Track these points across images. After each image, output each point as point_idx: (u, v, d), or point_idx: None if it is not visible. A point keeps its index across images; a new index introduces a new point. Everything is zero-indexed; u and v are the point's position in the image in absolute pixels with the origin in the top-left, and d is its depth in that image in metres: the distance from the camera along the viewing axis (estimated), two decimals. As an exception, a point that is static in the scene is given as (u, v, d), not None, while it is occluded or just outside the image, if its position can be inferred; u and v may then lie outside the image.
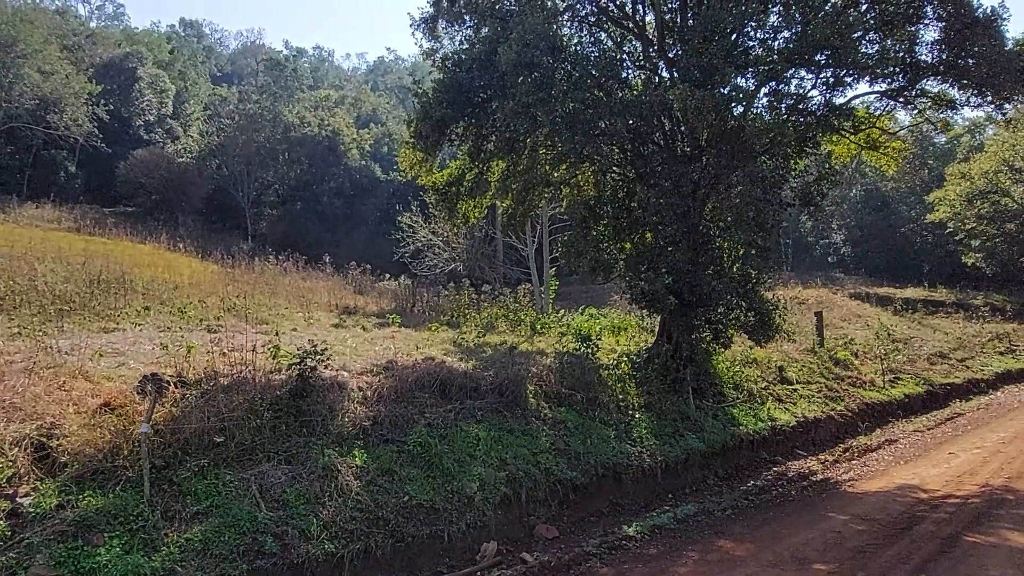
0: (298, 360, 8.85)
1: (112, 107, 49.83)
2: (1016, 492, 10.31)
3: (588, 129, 12.56)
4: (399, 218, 33.33)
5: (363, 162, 55.86)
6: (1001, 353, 24.61)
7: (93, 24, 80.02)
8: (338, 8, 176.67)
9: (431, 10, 14.99)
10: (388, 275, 33.97)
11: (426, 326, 16.82)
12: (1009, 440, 13.79)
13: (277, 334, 12.82)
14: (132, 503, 6.40)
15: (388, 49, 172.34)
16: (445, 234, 32.38)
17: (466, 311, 19.62)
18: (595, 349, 13.37)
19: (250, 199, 50.50)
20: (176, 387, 8.01)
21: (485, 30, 13.93)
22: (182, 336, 10.87)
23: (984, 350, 24.29)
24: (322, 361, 9.18)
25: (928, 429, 15.64)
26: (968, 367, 21.79)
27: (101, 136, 46.46)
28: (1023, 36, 13.43)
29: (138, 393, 7.72)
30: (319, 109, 60.95)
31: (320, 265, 29.12)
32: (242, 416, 7.82)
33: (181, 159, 51.14)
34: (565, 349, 13.51)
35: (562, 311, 21.54)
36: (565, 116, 12.24)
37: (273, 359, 9.59)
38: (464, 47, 14.25)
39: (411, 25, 15.25)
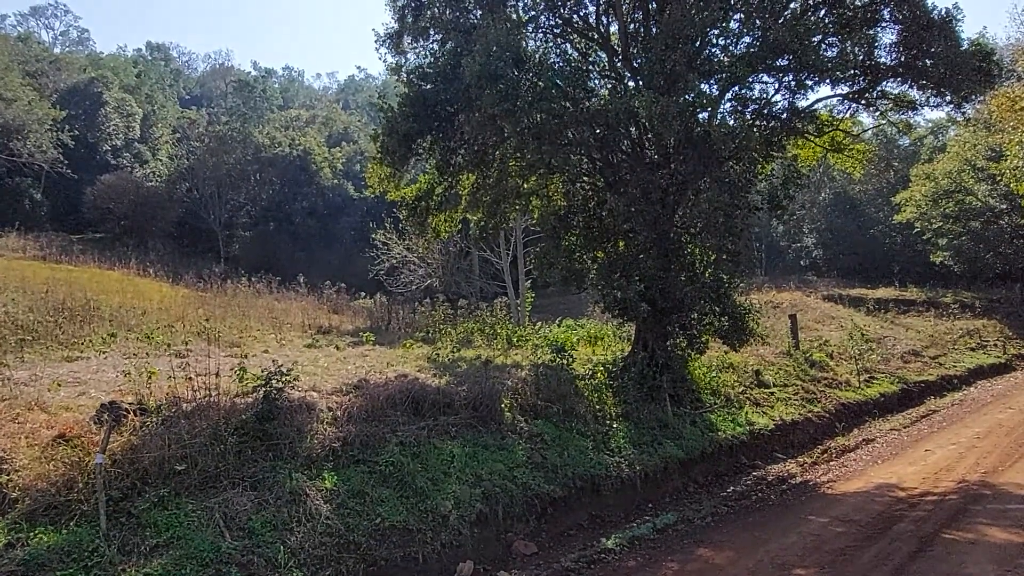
0: (263, 382, 8.62)
1: (78, 132, 49.08)
2: (993, 487, 10.33)
3: (555, 139, 12.53)
4: (373, 235, 33.05)
5: (336, 181, 55.54)
6: (972, 349, 24.94)
7: (57, 50, 78.99)
8: (307, 28, 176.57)
9: (396, 26, 14.94)
10: (364, 293, 33.66)
11: (401, 343, 16.62)
12: (984, 435, 13.87)
13: (246, 356, 12.55)
14: (87, 538, 6.13)
15: (359, 68, 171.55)
16: (420, 250, 32.20)
17: (441, 326, 19.44)
18: (571, 360, 13.25)
19: (222, 221, 49.97)
20: (135, 415, 7.75)
21: (450, 44, 13.89)
22: (148, 363, 10.58)
23: (956, 347, 24.59)
24: (289, 382, 8.96)
25: (904, 427, 15.71)
26: (941, 364, 22.02)
27: (67, 162, 45.70)
28: (978, 36, 13.66)
29: (95, 423, 7.45)
30: (290, 129, 60.71)
31: (294, 285, 28.80)
32: (205, 442, 7.57)
33: (150, 183, 50.50)
34: (540, 361, 13.39)
35: (539, 323, 21.44)
36: (532, 127, 12.19)
37: (240, 382, 9.34)
38: (428, 60, 14.20)
39: (376, 41, 15.18)
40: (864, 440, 14.60)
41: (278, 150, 53.77)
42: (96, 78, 55.51)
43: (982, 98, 17.65)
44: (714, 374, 15.24)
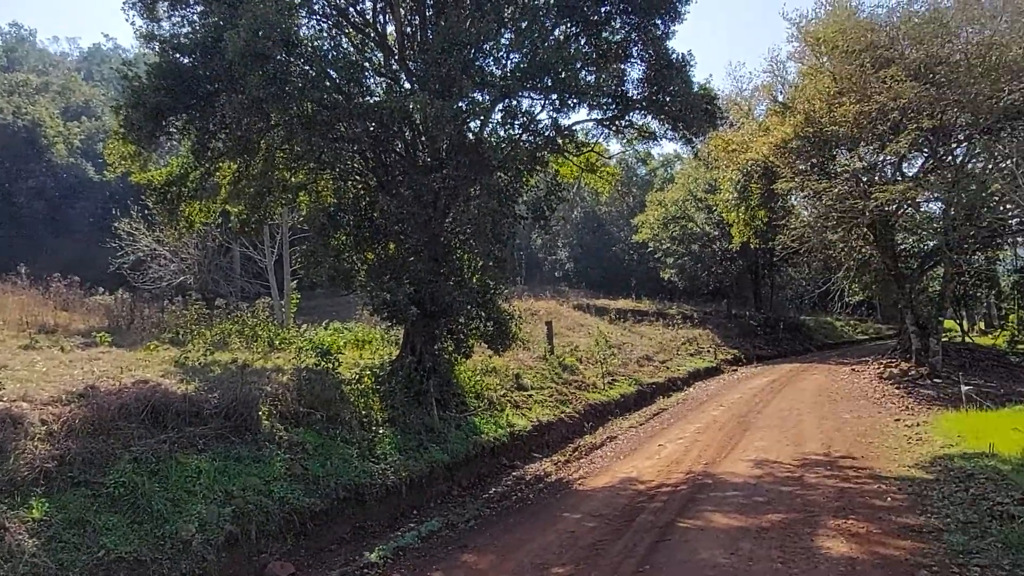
0: (-50, 392, 7.05)
1: None
2: (713, 476, 11.73)
3: (327, 132, 12.02)
4: (116, 224, 29.09)
5: (72, 159, 48.23)
6: (691, 355, 28.73)
7: None
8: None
9: (150, -14, 13.23)
10: (103, 289, 29.48)
11: (144, 345, 14.74)
12: (703, 430, 15.90)
13: (-70, 361, 10.24)
14: None
15: (106, 36, 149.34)
16: (172, 243, 29.00)
17: (194, 327, 17.62)
18: (337, 364, 12.77)
19: (-91, 196, 40.76)
20: None
21: (213, 18, 12.65)
22: None
23: (679, 353, 28.12)
24: (-13, 392, 7.44)
25: (640, 424, 17.46)
26: (668, 368, 24.98)
27: None
28: (705, 82, 15.77)
29: None
30: (14, 95, 51.48)
31: (12, 276, 24.26)
32: None
33: None
34: (304, 365, 12.71)
35: (304, 325, 20.41)
36: (301, 116, 11.55)
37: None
38: (187, 31, 12.80)
39: (125, 2, 13.31)
40: (609, 437, 15.95)
41: (-3, 118, 45.33)
42: None
43: (704, 137, 20.48)
44: (478, 378, 15.68)
